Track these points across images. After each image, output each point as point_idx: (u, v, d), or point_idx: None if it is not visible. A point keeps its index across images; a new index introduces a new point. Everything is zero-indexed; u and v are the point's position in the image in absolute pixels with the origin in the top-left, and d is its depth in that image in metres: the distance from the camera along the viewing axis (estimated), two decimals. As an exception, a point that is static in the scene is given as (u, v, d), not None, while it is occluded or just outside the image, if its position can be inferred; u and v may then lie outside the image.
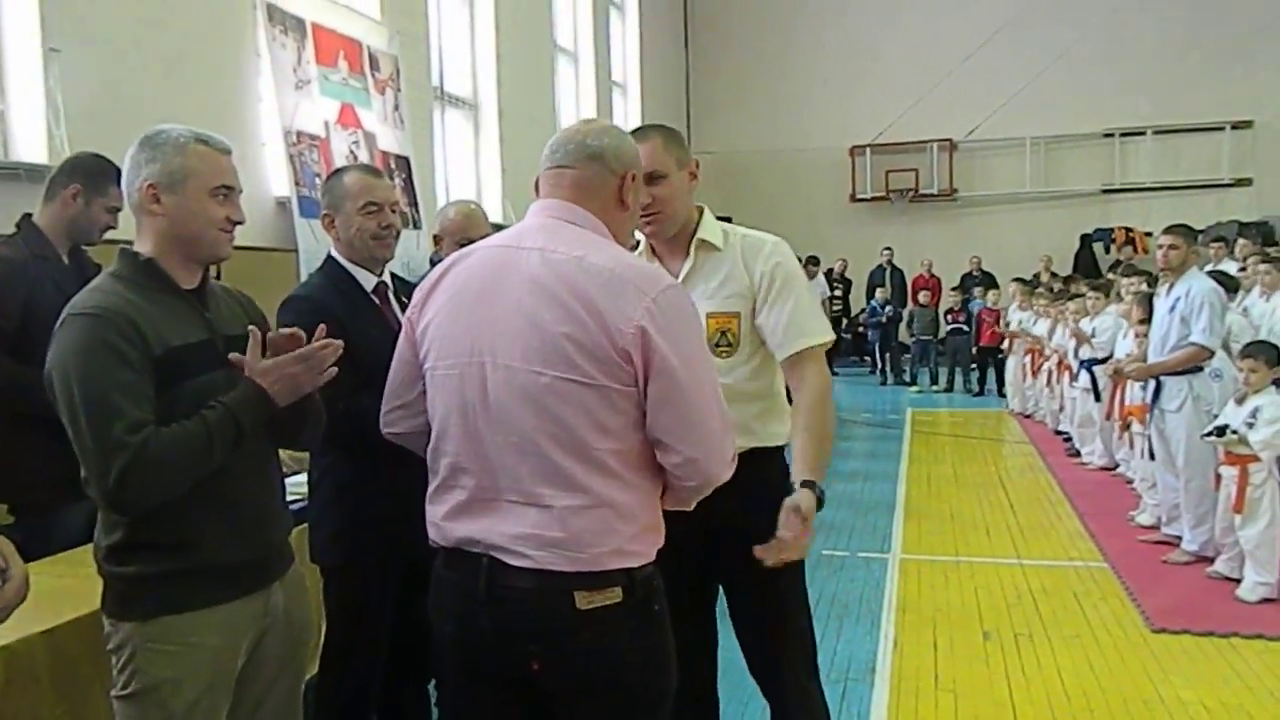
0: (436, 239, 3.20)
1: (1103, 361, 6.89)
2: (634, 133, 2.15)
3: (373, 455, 2.17)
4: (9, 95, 4.75)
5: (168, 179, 1.83)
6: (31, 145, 4.74)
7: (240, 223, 1.92)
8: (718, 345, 2.27)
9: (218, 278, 2.04)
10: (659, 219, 2.26)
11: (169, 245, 1.86)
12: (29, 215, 3.05)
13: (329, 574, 2.54)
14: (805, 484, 2.15)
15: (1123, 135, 14.95)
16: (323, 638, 2.55)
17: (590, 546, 1.66)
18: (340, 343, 1.92)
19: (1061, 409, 8.59)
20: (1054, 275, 12.71)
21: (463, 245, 3.07)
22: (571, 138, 1.82)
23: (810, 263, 12.51)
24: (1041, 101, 14.70)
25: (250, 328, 1.88)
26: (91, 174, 3.05)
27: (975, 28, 14.88)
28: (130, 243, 1.89)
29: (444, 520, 1.77)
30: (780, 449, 2.36)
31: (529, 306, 1.66)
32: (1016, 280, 11.17)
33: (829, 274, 13.35)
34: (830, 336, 2.34)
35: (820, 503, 2.13)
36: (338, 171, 2.68)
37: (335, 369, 1.90)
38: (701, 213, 2.35)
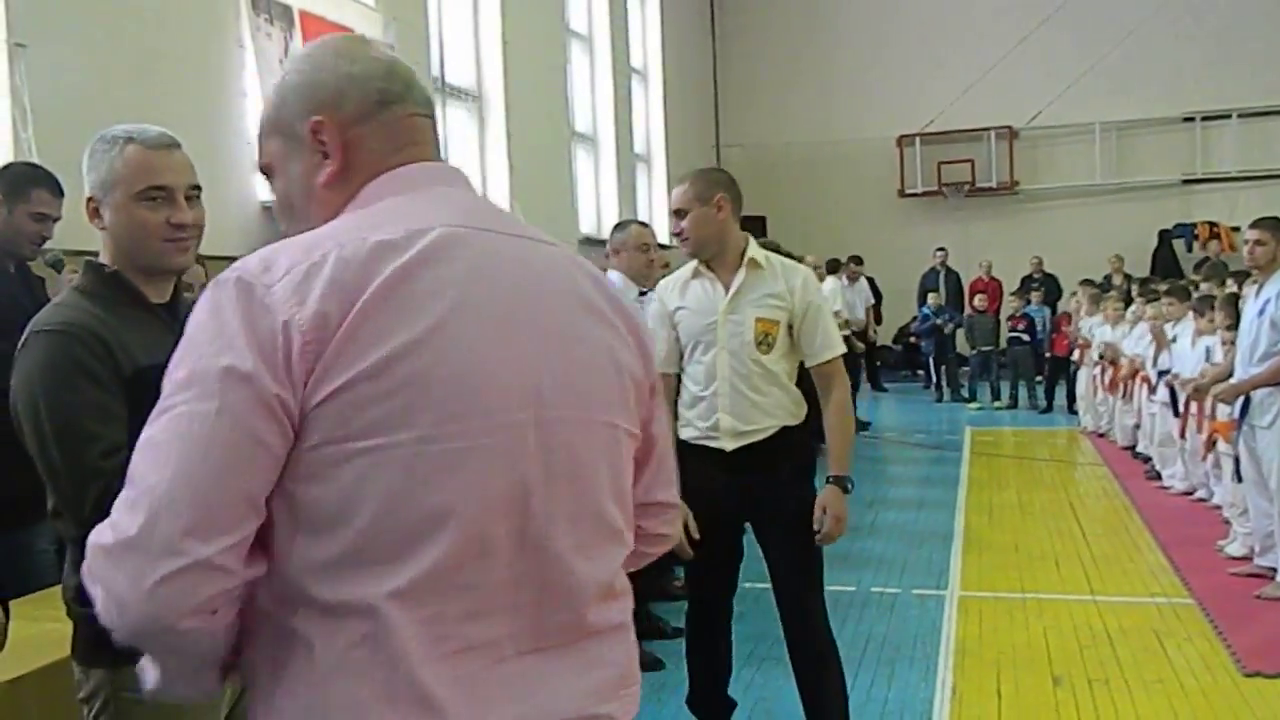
0: None
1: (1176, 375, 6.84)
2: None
3: None
4: (-28, 95, 4.85)
5: (101, 189, 1.85)
6: (-4, 148, 4.83)
7: (184, 224, 1.86)
8: (760, 343, 3.12)
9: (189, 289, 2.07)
10: (687, 243, 3.18)
11: (121, 259, 1.89)
12: None
13: None
14: (834, 479, 3.12)
15: (1204, 119, 14.86)
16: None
17: (636, 678, 1.30)
18: None
19: (1139, 426, 8.52)
20: (1127, 277, 12.62)
21: None
22: (411, 73, 1.33)
23: (854, 262, 12.38)
24: (1112, 83, 14.64)
25: None
26: (12, 181, 3.12)
27: (1036, 1, 14.84)
28: (95, 254, 1.93)
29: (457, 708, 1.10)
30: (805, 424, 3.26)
31: (585, 327, 1.25)
32: (1084, 283, 11.10)
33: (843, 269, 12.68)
34: (844, 348, 3.29)
35: (848, 490, 3.12)
36: None
37: None
38: (748, 240, 3.21)
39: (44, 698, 2.11)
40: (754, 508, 3.17)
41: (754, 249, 3.18)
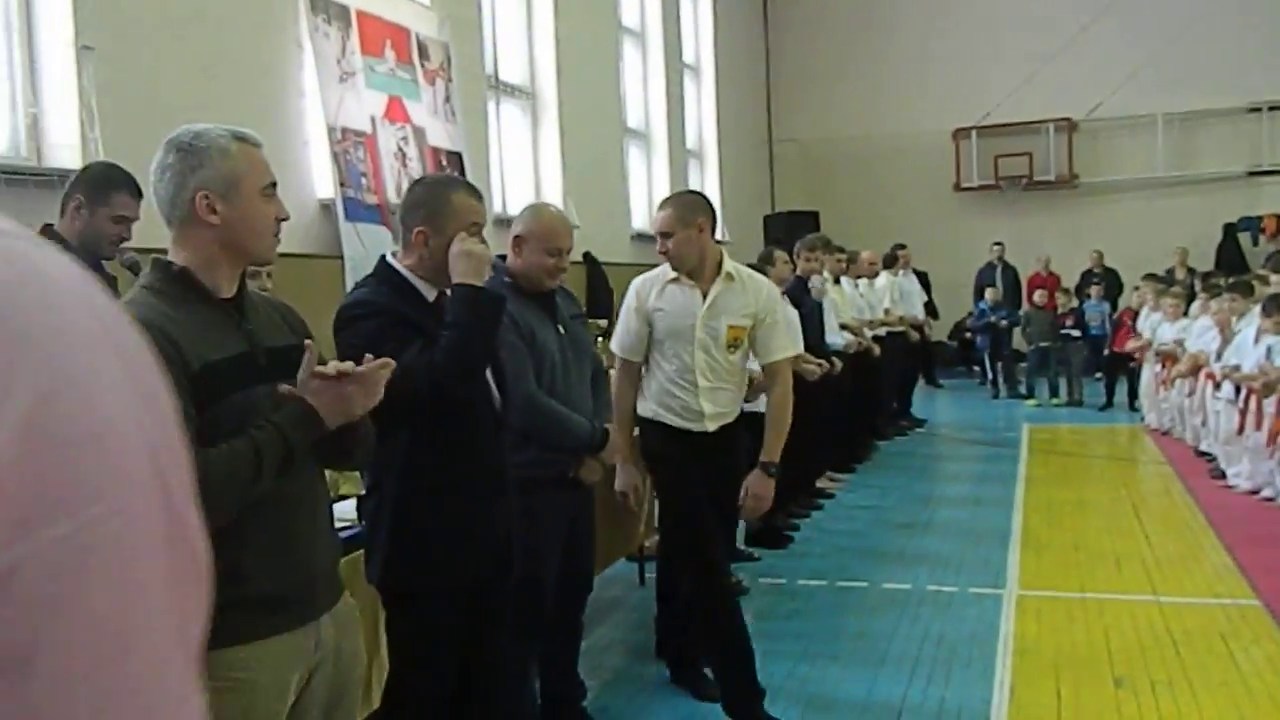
0: (518, 241, 3.21)
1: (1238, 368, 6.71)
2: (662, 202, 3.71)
3: (426, 466, 2.44)
4: (41, 97, 4.97)
5: (222, 185, 1.90)
6: (65, 150, 4.95)
7: (286, 219, 2.01)
8: (730, 346, 3.63)
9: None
10: (673, 259, 3.61)
11: (219, 254, 1.93)
12: (50, 225, 3.21)
13: (393, 603, 2.60)
14: (762, 465, 3.63)
15: (1271, 109, 14.51)
16: (385, 673, 2.62)
17: None
18: (393, 362, 2.00)
19: (1204, 423, 8.36)
20: (1191, 271, 12.38)
21: (551, 255, 3.15)
22: None
23: (899, 247, 11.90)
24: (1174, 73, 14.34)
25: (307, 342, 1.95)
26: (93, 184, 3.19)
27: (1096, -9, 14.60)
28: (164, 251, 1.98)
29: None
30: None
31: (141, 352, 0.63)
32: (1148, 277, 10.90)
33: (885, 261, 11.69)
34: (796, 350, 4.05)
35: (771, 474, 3.65)
36: (439, 184, 2.74)
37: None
38: (722, 254, 3.69)
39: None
40: (718, 480, 3.65)
41: (728, 263, 3.68)
